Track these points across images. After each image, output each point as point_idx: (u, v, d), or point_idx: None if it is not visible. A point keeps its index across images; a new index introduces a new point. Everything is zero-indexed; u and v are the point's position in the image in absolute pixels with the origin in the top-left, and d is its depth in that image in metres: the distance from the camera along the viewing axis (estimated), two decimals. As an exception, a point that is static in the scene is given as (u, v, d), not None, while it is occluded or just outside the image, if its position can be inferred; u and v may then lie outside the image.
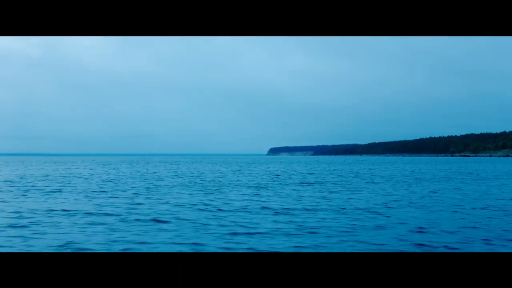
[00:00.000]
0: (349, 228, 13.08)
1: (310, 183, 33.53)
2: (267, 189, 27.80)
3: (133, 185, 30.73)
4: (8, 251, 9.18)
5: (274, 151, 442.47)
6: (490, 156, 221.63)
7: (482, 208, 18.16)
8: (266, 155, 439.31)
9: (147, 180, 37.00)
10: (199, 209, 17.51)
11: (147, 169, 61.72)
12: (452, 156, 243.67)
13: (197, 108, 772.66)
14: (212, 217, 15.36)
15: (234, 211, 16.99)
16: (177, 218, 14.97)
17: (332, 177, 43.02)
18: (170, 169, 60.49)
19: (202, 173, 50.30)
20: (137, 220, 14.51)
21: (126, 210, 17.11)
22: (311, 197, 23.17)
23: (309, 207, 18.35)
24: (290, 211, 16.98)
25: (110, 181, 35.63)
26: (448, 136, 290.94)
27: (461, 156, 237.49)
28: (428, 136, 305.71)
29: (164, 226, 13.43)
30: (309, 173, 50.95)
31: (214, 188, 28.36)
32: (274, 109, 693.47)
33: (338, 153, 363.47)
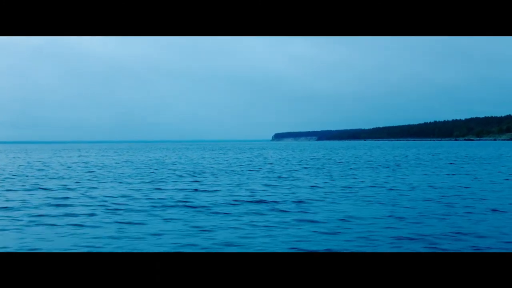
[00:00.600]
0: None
1: (271, 171, 32.40)
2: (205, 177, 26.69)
3: (82, 175, 29.54)
4: (8, 251, 9.18)
5: (278, 136, 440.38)
6: (494, 139, 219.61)
7: (427, 200, 16.80)
8: (271, 140, 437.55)
9: (109, 168, 35.88)
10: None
11: (129, 157, 60.56)
12: (456, 140, 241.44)
13: (202, 95, 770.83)
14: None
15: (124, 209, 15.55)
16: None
17: (312, 163, 41.75)
18: (150, 157, 59.06)
19: (185, 160, 48.96)
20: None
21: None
22: (249, 185, 21.94)
23: (239, 198, 17.09)
24: (188, 204, 15.64)
25: (66, 169, 34.63)
26: (453, 120, 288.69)
27: (465, 140, 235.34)
28: (432, 121, 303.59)
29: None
30: (290, 159, 49.71)
31: (165, 177, 27.20)
32: (279, 95, 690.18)
33: (342, 138, 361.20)
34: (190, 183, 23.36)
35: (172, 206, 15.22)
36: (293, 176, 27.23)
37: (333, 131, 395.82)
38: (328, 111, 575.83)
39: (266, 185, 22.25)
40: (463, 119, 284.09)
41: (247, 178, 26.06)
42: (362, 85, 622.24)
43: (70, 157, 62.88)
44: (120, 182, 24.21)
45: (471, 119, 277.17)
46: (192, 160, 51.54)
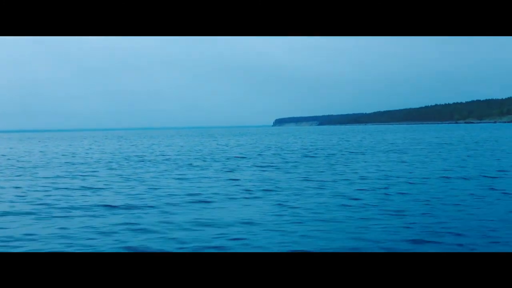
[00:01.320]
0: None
1: (215, 160, 29.97)
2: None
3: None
4: (8, 251, 8.95)
5: (280, 122, 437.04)
6: (495, 122, 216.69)
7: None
8: (272, 126, 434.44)
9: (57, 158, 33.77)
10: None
11: (105, 145, 58.04)
12: (456, 123, 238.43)
13: (204, 83, 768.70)
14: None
15: None
16: None
17: (272, 151, 39.29)
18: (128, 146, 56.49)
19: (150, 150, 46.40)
20: None
21: None
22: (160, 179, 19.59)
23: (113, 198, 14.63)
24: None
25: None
26: (454, 103, 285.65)
27: (465, 123, 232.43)
28: (433, 104, 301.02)
29: None
30: (255, 147, 47.11)
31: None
32: (280, 81, 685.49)
33: (344, 122, 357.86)
34: (86, 178, 20.85)
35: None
36: (226, 168, 24.69)
37: (335, 115, 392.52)
38: (329, 96, 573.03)
39: (179, 179, 19.71)
40: (464, 102, 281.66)
41: (167, 170, 23.69)
42: (363, 69, 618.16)
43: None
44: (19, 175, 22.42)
45: (472, 102, 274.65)
46: (159, 147, 49.22)
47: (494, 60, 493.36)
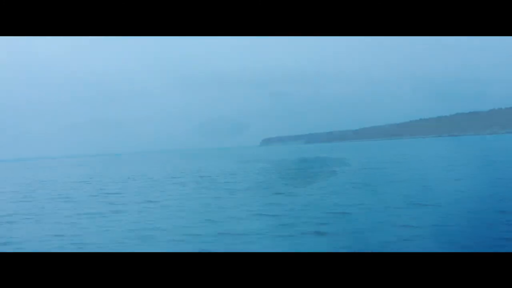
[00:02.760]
0: None
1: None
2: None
3: None
4: (8, 251, 8.94)
5: (266, 142, 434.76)
6: (477, 134, 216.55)
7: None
8: (260, 146, 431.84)
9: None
10: None
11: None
12: (439, 136, 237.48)
13: (188, 102, 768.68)
14: None
15: None
16: None
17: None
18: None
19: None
20: None
21: None
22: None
23: None
24: None
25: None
26: (437, 117, 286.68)
27: (449, 136, 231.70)
28: (418, 118, 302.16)
29: None
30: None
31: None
32: (267, 99, 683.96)
33: (329, 140, 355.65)
34: None
35: None
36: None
37: (320, 133, 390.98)
38: (315, 113, 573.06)
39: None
40: (448, 115, 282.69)
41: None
42: (349, 85, 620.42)
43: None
44: None
45: (456, 114, 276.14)
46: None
47: (477, 72, 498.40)
